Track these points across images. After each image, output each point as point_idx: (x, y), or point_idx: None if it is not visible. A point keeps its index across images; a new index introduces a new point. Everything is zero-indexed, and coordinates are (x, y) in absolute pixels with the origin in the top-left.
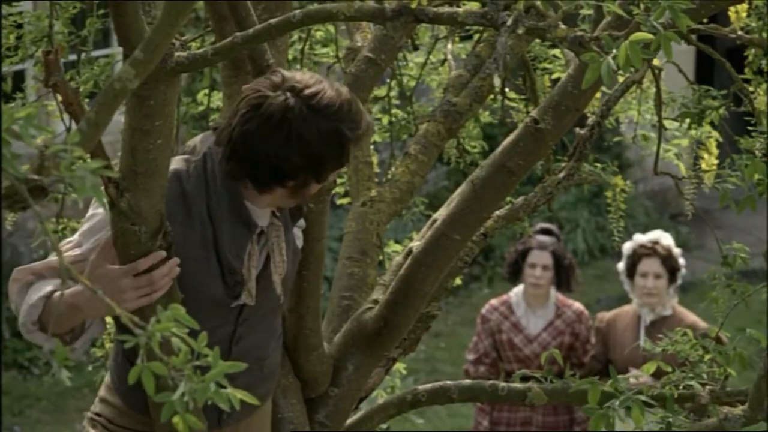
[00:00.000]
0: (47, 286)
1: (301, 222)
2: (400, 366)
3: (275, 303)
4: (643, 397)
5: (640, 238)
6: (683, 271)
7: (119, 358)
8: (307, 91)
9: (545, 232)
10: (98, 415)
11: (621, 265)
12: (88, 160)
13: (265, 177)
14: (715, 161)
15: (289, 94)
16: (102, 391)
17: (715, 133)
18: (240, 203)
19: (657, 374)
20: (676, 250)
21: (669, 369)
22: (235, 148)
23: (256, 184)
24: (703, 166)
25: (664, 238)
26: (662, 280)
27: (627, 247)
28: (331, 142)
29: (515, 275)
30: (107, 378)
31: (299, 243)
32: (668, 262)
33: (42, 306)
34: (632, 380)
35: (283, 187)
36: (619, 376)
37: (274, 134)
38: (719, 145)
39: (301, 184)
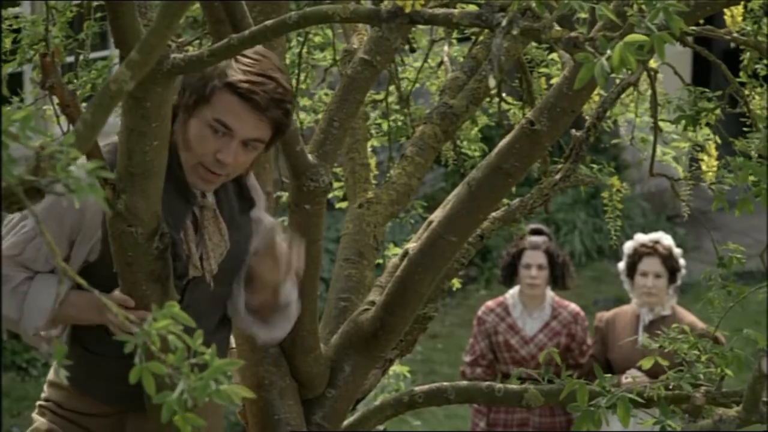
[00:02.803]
0: (46, 291)
1: (269, 218)
2: (403, 369)
3: (218, 295)
4: (629, 396)
5: (641, 237)
6: (683, 271)
7: (67, 340)
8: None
9: (536, 232)
10: (46, 400)
11: (621, 265)
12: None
13: None
14: (715, 163)
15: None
16: (51, 375)
17: (714, 136)
18: (177, 166)
19: (654, 374)
20: (677, 251)
21: (666, 363)
22: None
23: None
24: (703, 167)
25: (665, 238)
26: (662, 280)
27: (628, 246)
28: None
29: (510, 278)
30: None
31: (278, 236)
32: (669, 261)
33: (48, 316)
34: (624, 379)
35: None
36: (613, 376)
37: None
38: (715, 147)
39: None
